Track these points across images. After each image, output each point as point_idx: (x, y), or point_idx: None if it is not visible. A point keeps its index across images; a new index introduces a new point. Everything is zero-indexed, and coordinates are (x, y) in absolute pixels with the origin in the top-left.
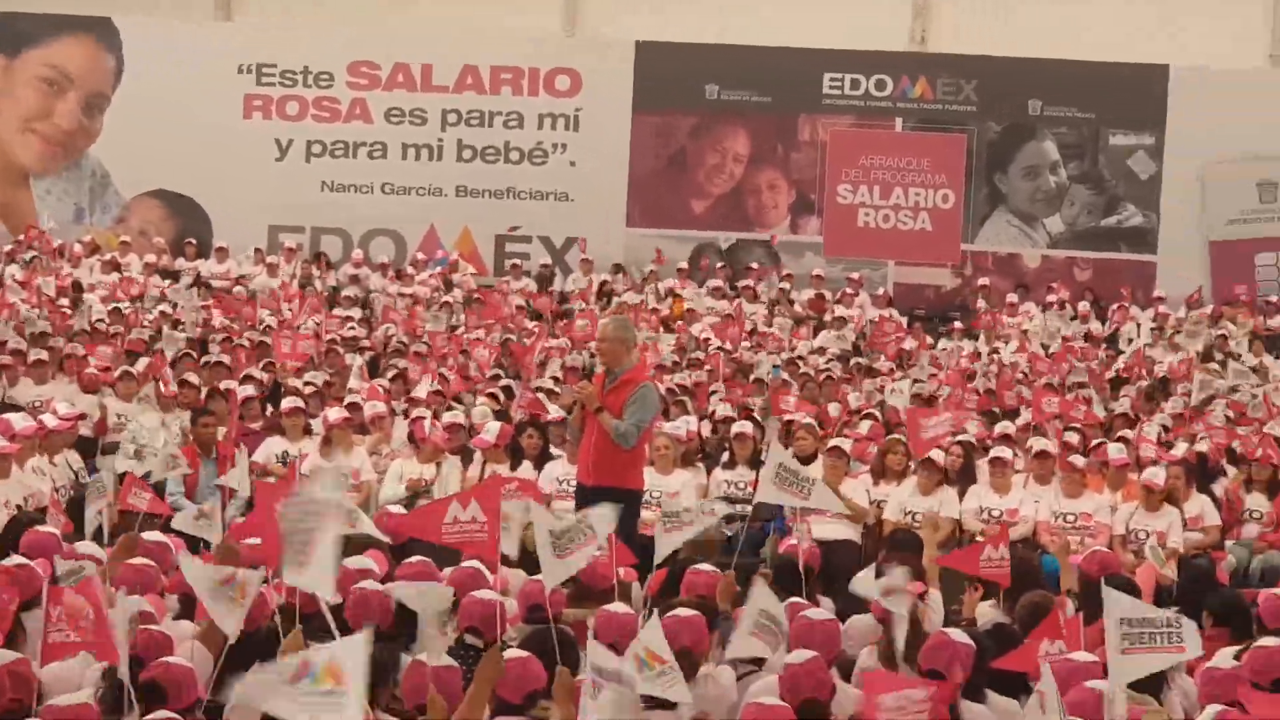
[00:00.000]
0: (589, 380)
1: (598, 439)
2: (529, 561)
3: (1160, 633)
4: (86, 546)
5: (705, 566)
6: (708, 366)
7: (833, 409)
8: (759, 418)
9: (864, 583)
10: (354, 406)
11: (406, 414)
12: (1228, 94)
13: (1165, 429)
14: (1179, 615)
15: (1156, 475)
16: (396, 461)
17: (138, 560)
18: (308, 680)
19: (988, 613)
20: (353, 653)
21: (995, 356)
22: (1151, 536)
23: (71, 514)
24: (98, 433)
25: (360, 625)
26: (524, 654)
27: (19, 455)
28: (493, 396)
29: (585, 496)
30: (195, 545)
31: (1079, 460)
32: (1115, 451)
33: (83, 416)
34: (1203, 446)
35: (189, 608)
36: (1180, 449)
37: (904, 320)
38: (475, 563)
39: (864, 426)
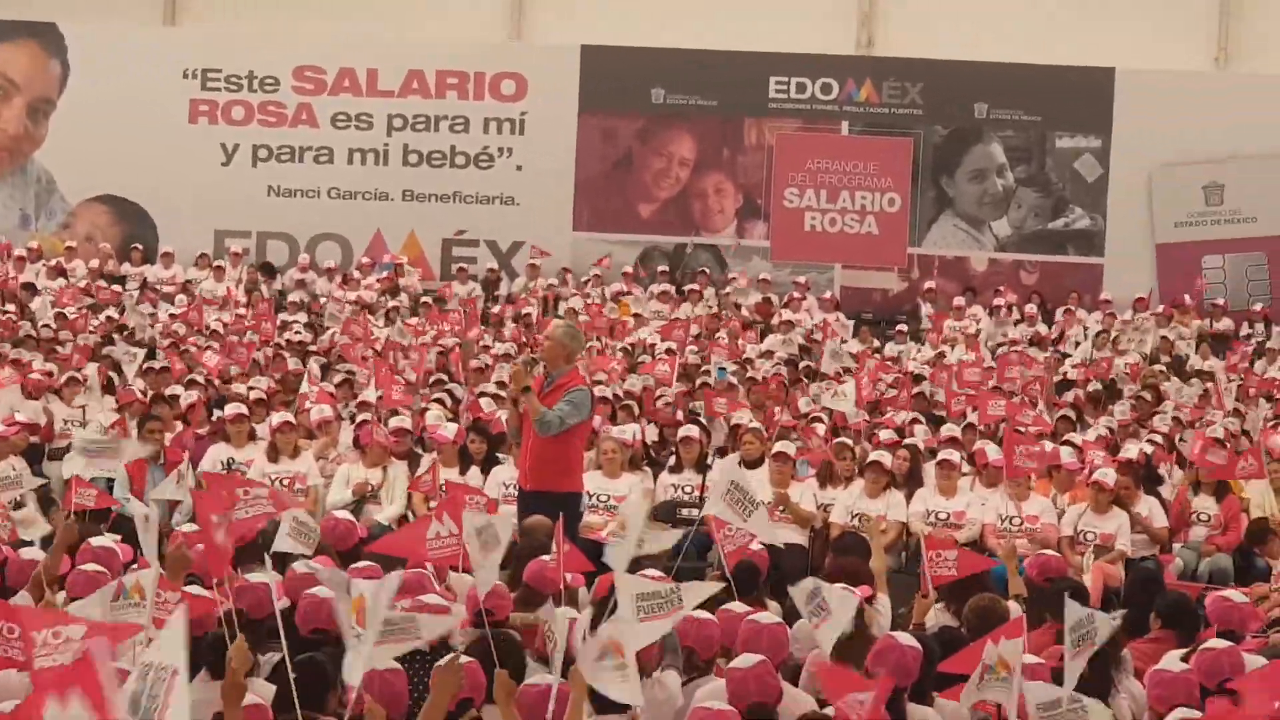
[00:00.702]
0: (527, 370)
1: (534, 444)
2: None
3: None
4: (31, 552)
5: (652, 571)
6: (656, 369)
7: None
8: (704, 420)
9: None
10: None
11: (353, 419)
12: (1174, 97)
13: (1111, 431)
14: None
15: (1107, 475)
16: (343, 466)
17: (90, 567)
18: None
19: (936, 616)
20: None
21: (942, 360)
22: (1089, 549)
23: None
24: (44, 438)
25: (310, 631)
26: (464, 659)
27: None
28: (439, 402)
29: (525, 501)
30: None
31: (1028, 464)
32: (1066, 455)
33: (35, 428)
34: (1148, 449)
35: None
36: (1132, 451)
37: (850, 324)
38: (419, 567)
39: (818, 430)
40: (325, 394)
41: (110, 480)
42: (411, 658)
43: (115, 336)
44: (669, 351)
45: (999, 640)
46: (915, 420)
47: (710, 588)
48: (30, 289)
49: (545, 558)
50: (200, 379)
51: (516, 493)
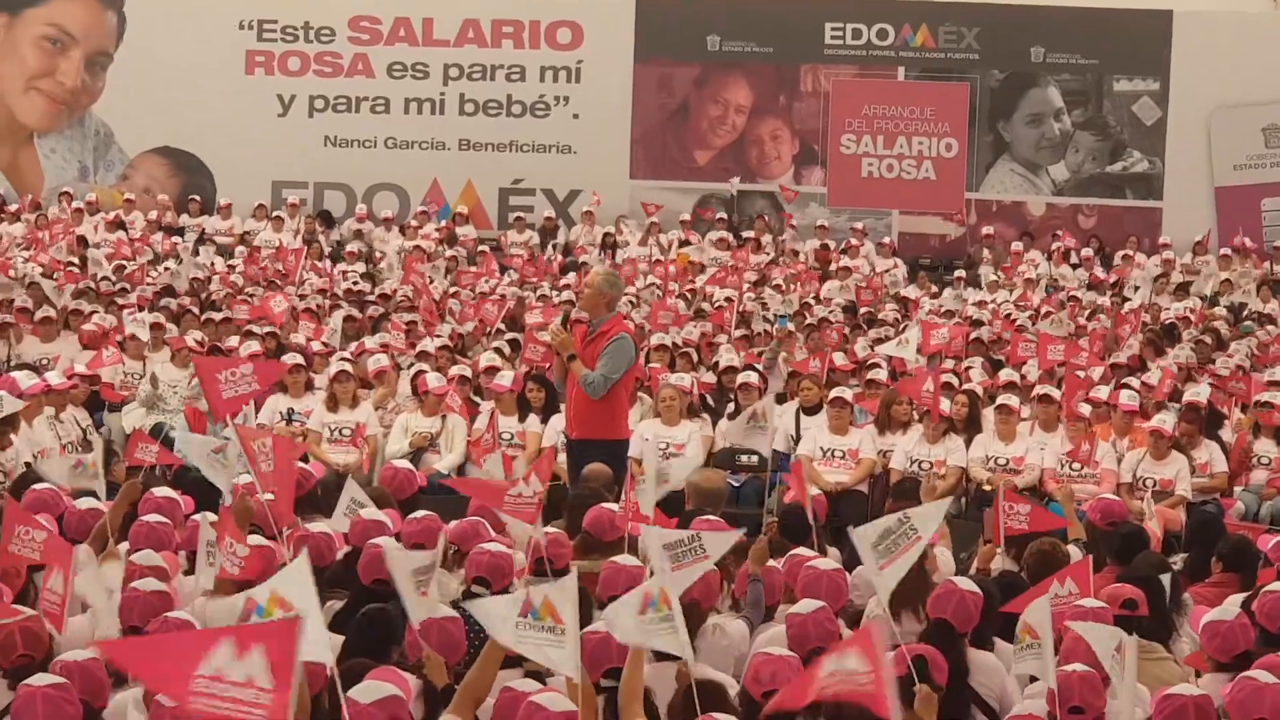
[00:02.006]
0: (565, 326)
1: (578, 392)
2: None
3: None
4: (88, 503)
5: (711, 518)
6: (713, 319)
7: (838, 359)
8: (763, 367)
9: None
10: (349, 360)
11: (411, 368)
12: (1232, 38)
13: (1178, 365)
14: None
15: (1165, 421)
16: (402, 416)
17: (152, 517)
18: (530, 617)
19: (999, 561)
20: (567, 591)
21: (998, 305)
22: (1148, 494)
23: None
24: (105, 396)
25: (371, 581)
26: None
27: (27, 412)
28: (499, 351)
29: (573, 450)
30: (204, 504)
31: (1085, 409)
32: (1126, 398)
33: (95, 379)
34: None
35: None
36: (1200, 394)
37: (905, 269)
38: (476, 516)
39: (879, 376)
40: (383, 344)
41: (172, 430)
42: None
43: (174, 287)
44: (728, 299)
45: (1064, 580)
46: (969, 366)
47: (731, 537)
48: (83, 242)
49: (606, 505)
50: (258, 330)
51: (564, 442)
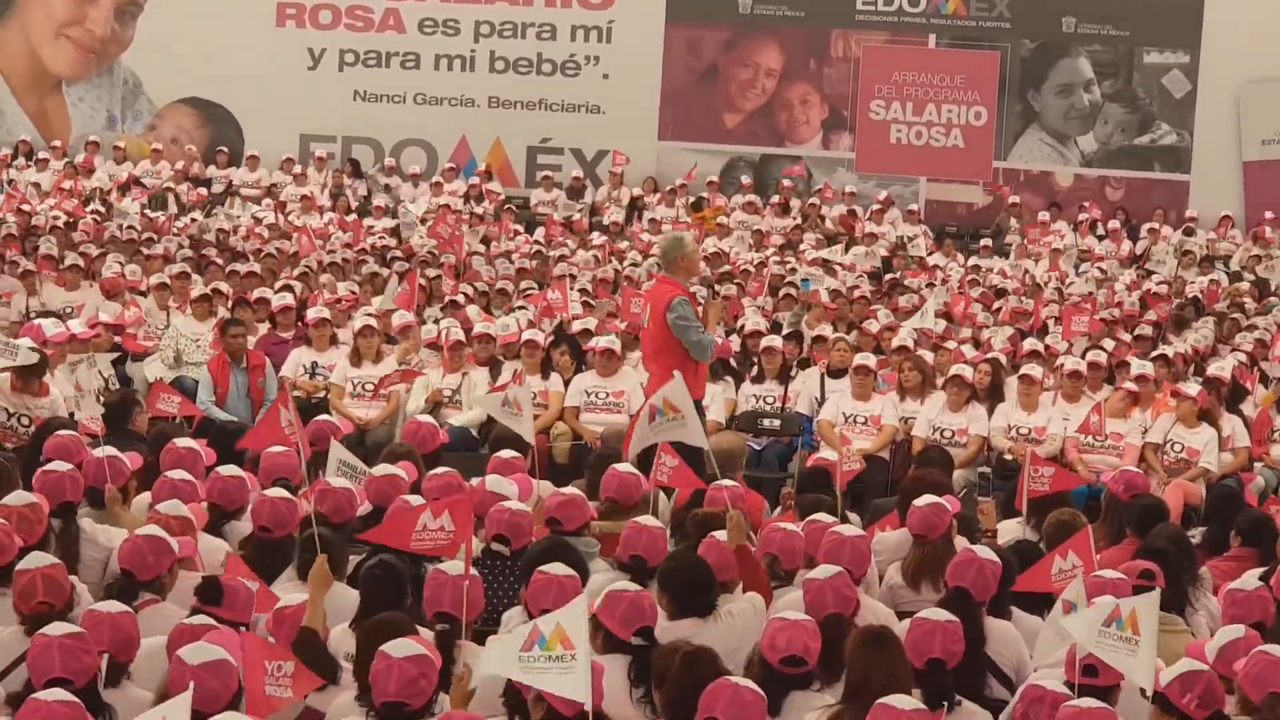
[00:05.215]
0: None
1: None
2: (556, 473)
3: None
4: (107, 450)
5: (727, 482)
6: (737, 280)
7: (870, 326)
8: (786, 328)
9: None
10: (383, 318)
11: (438, 323)
12: (1264, 12)
13: (1195, 349)
14: None
15: (1191, 387)
16: (422, 375)
17: (175, 474)
18: (538, 647)
19: (1013, 529)
20: (576, 616)
21: (1026, 275)
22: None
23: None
24: (129, 348)
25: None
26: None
27: (51, 360)
28: (522, 309)
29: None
30: (226, 456)
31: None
32: (1138, 367)
33: (119, 329)
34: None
35: (219, 518)
36: (1225, 368)
37: (932, 236)
38: (498, 478)
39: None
40: (405, 298)
41: (195, 382)
42: (491, 562)
43: (200, 238)
44: (758, 264)
45: (1067, 554)
46: (992, 335)
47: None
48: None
49: (618, 465)
50: (291, 284)
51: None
